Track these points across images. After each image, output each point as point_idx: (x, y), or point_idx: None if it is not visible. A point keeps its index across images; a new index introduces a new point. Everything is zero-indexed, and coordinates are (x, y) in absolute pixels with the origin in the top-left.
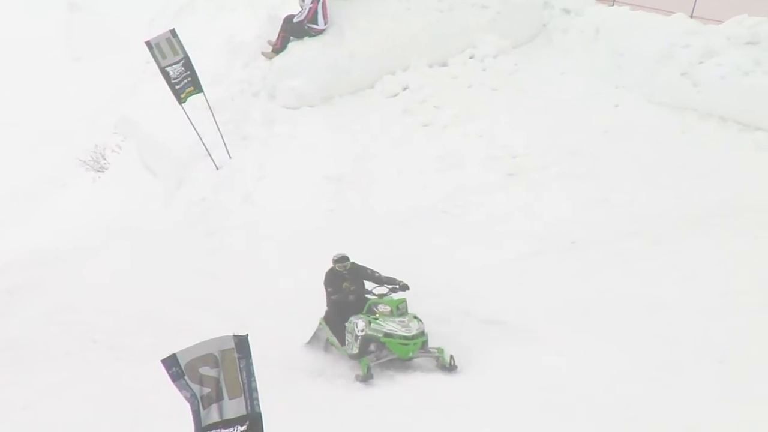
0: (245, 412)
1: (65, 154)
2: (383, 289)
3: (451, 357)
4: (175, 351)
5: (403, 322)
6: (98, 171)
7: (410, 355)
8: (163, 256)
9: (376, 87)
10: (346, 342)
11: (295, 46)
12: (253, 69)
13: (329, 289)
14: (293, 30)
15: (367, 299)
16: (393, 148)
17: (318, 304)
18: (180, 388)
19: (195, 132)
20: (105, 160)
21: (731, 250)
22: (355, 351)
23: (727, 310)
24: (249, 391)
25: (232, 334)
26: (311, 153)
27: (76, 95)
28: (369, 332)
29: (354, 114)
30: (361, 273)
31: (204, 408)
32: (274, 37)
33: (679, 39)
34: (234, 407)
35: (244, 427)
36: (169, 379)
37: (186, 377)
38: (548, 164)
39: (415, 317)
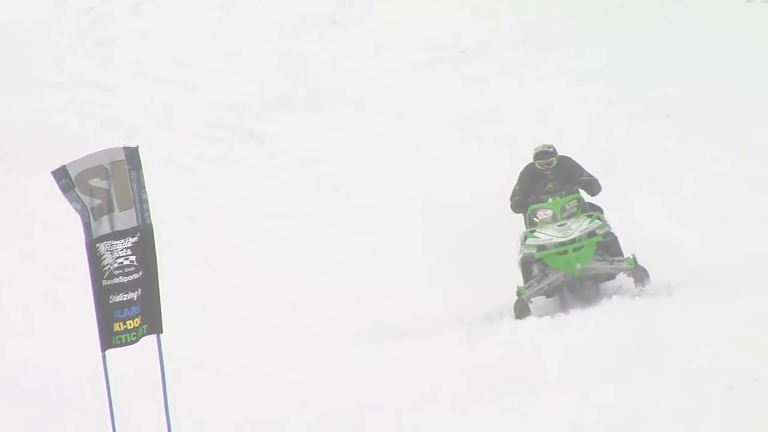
0: (136, 224)
1: None
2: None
3: (635, 260)
4: (65, 162)
5: (564, 225)
6: None
7: (578, 266)
8: (51, 64)
9: None
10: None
11: None
12: None
13: (516, 188)
14: None
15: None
16: None
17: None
18: (70, 200)
19: None
20: None
21: (618, 58)
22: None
23: (613, 117)
24: (140, 203)
25: (122, 145)
26: None
27: None
28: (525, 251)
29: None
30: (573, 171)
31: (95, 220)
32: None
33: None
34: (125, 219)
35: (135, 239)
36: (58, 191)
37: (76, 189)
38: None
39: (591, 216)
